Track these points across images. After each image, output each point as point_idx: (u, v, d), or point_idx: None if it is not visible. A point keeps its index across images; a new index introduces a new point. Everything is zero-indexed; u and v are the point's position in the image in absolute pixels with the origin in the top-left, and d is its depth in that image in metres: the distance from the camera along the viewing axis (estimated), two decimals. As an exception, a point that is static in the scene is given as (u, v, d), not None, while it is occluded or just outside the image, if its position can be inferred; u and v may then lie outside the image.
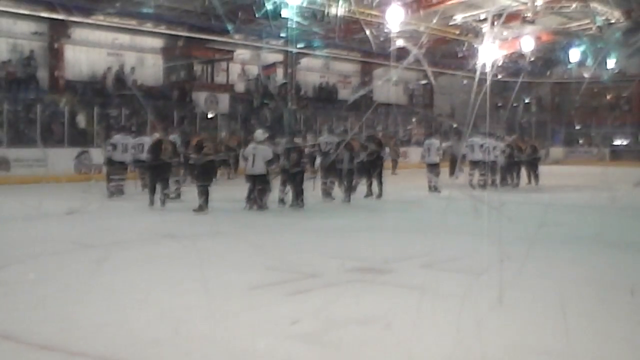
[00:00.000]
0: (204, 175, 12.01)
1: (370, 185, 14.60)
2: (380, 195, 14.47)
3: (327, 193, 13.92)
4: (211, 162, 12.32)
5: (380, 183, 14.53)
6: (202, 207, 11.62)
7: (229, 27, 22.40)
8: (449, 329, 4.86)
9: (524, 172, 18.57)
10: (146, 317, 5.22)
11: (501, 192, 15.75)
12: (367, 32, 23.69)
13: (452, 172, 18.44)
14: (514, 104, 33.40)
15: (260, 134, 12.55)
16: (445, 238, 8.70)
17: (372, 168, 14.43)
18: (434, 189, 15.82)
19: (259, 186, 12.08)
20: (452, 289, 5.91)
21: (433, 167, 16.01)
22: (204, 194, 11.72)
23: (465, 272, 6.64)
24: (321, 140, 14.86)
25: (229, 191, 16.57)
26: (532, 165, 18.81)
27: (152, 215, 11.77)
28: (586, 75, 32.32)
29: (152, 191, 12.42)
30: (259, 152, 12.00)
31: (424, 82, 33.96)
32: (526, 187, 17.96)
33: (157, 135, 13.50)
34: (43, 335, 4.77)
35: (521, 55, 29.83)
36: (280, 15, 21.62)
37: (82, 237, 8.99)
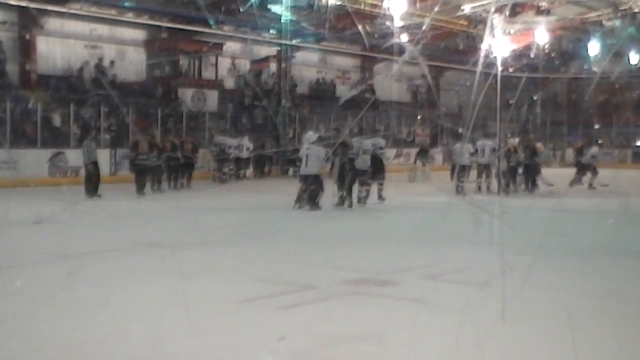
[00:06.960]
0: None
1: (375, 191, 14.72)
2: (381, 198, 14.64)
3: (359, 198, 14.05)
4: None
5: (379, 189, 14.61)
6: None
7: (217, 18, 22.42)
8: (448, 346, 4.94)
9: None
10: (124, 335, 5.29)
11: (505, 198, 15.89)
12: (367, 24, 23.74)
13: (452, 176, 18.75)
14: (527, 102, 33.48)
15: (311, 135, 13.71)
16: (445, 247, 8.83)
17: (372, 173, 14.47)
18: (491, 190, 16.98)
19: (312, 186, 13.00)
20: (451, 303, 6.01)
21: (485, 168, 17.23)
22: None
23: (466, 284, 6.75)
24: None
25: (216, 197, 16.68)
26: (529, 170, 17.86)
27: (132, 222, 11.88)
28: (606, 70, 32.34)
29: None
30: (312, 152, 13.04)
31: (418, 81, 33.99)
32: (530, 193, 17.95)
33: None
34: (11, 356, 4.83)
35: (535, 49, 29.89)
36: (267, 6, 21.71)
37: (54, 247, 9.05)
